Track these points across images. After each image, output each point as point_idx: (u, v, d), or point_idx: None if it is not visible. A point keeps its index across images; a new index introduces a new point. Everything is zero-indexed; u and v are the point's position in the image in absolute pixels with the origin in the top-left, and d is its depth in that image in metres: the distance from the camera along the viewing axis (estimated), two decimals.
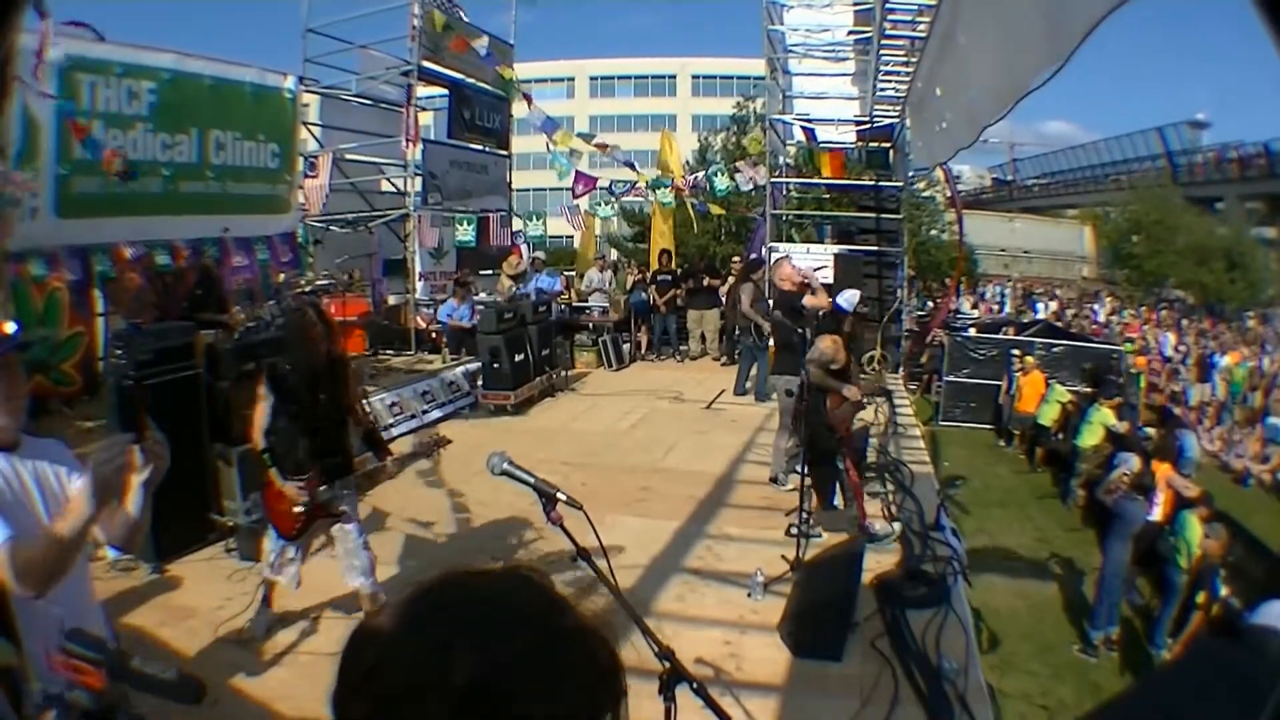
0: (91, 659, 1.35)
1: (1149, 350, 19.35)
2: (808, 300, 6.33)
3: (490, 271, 12.68)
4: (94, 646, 1.38)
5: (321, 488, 3.80)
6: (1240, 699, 0.77)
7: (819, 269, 9.24)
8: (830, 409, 5.30)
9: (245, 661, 3.82)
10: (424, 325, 11.74)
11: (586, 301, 13.19)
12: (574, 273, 15.77)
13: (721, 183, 13.35)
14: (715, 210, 14.41)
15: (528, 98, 13.77)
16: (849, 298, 5.66)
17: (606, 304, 12.83)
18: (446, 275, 12.35)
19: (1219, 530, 7.31)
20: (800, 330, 6.08)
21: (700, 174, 14.36)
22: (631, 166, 14.31)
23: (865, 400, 5.39)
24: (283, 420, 3.75)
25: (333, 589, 4.52)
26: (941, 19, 6.47)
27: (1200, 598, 7.01)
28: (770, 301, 7.05)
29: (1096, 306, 27.33)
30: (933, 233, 26.83)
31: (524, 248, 13.61)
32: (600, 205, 14.40)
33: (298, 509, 3.76)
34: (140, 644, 3.94)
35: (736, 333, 11.98)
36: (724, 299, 12.51)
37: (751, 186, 13.24)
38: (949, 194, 15.10)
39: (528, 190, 20.25)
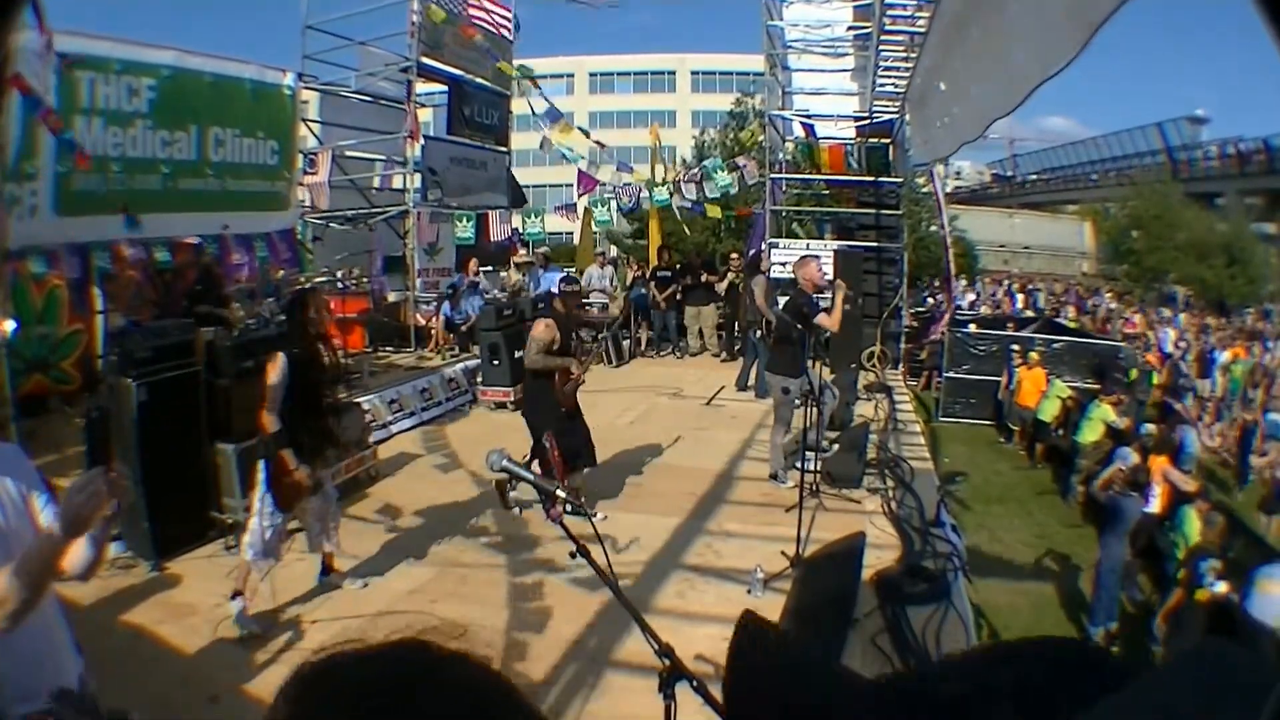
0: None
1: (1149, 346, 19.33)
2: (821, 319, 6.25)
3: (490, 268, 12.69)
4: (81, 705, 1.23)
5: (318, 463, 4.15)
6: (1240, 698, 0.76)
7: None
8: (558, 387, 5.51)
9: (245, 659, 3.83)
10: (424, 322, 11.74)
11: (588, 298, 13.18)
12: (573, 269, 15.76)
13: (721, 178, 13.32)
14: (712, 213, 14.43)
15: (533, 80, 13.72)
16: (550, 279, 5.93)
17: (606, 300, 12.82)
18: (440, 272, 12.34)
19: (1215, 519, 7.32)
20: (799, 327, 6.08)
21: (696, 170, 14.33)
22: (627, 169, 14.31)
23: (581, 377, 5.69)
24: (292, 404, 4.01)
25: (330, 588, 4.53)
26: (943, 14, 6.45)
27: (1181, 574, 7.04)
28: (782, 297, 7.03)
29: (1093, 302, 27.33)
30: (932, 229, 26.78)
31: (520, 247, 13.64)
32: (599, 207, 14.43)
33: (302, 482, 4.03)
34: (139, 642, 3.95)
35: (738, 329, 12.00)
36: (722, 295, 12.50)
37: (754, 180, 13.23)
38: (940, 192, 15.00)
39: (526, 186, 20.21)
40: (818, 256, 8.69)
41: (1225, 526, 7.51)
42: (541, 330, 5.52)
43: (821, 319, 6.20)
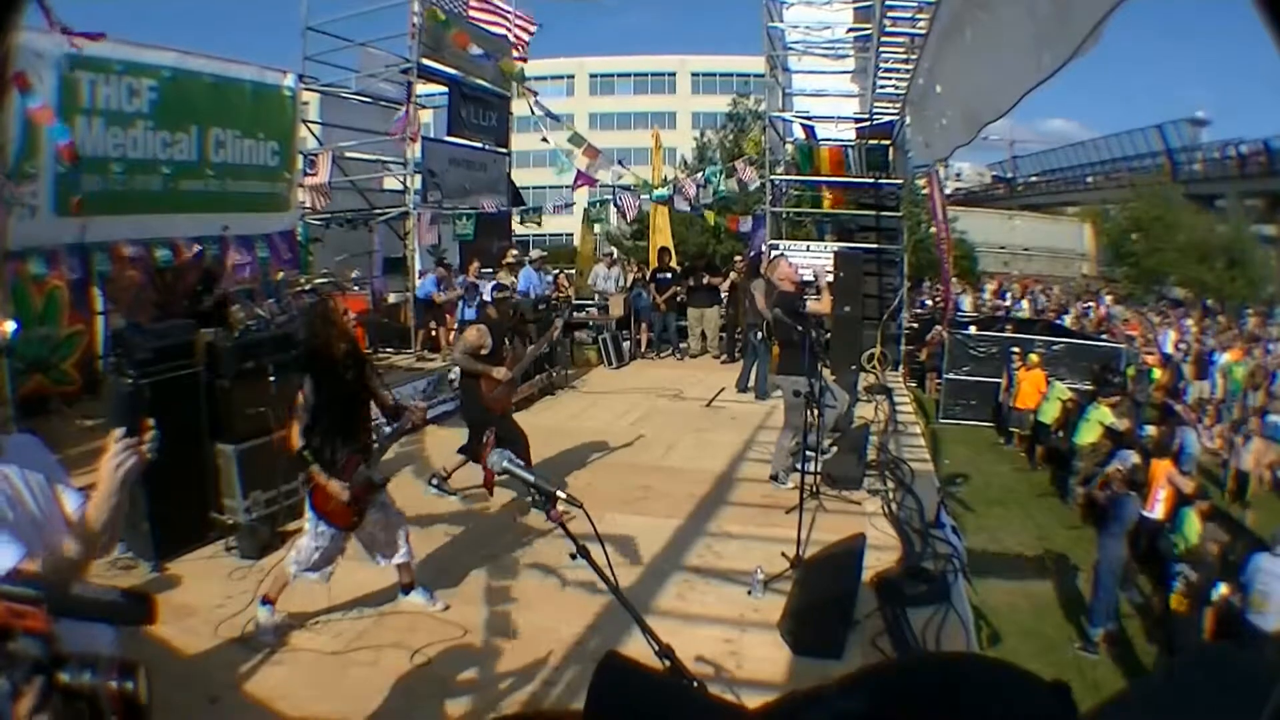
0: (30, 597, 1.18)
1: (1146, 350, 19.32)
2: (811, 305, 6.31)
3: (490, 270, 12.70)
4: (29, 583, 1.22)
5: (359, 469, 3.89)
6: (1240, 699, 0.76)
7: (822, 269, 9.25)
8: (485, 392, 5.67)
9: (245, 659, 3.83)
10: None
11: (593, 299, 13.18)
12: (574, 271, 15.77)
13: (719, 183, 13.36)
14: (709, 216, 14.46)
15: (532, 91, 13.77)
16: (489, 289, 6.05)
17: (607, 301, 12.80)
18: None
19: (1220, 537, 7.27)
20: (801, 329, 6.07)
21: (700, 175, 14.36)
22: (622, 164, 14.34)
23: (517, 377, 5.93)
24: (320, 415, 3.84)
25: (332, 587, 4.53)
26: (942, 16, 6.45)
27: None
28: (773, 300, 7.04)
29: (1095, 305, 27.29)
30: (932, 230, 26.75)
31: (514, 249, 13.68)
32: (596, 208, 14.47)
33: (345, 499, 3.84)
34: (139, 642, 3.94)
35: (738, 330, 12.00)
36: (724, 296, 12.50)
37: (754, 185, 13.24)
38: (938, 194, 14.90)
39: (527, 188, 20.23)
40: (785, 255, 8.70)
41: (1227, 541, 7.46)
42: (472, 335, 5.79)
43: (811, 305, 6.26)
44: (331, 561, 4.05)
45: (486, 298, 6.04)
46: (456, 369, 9.53)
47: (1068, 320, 22.30)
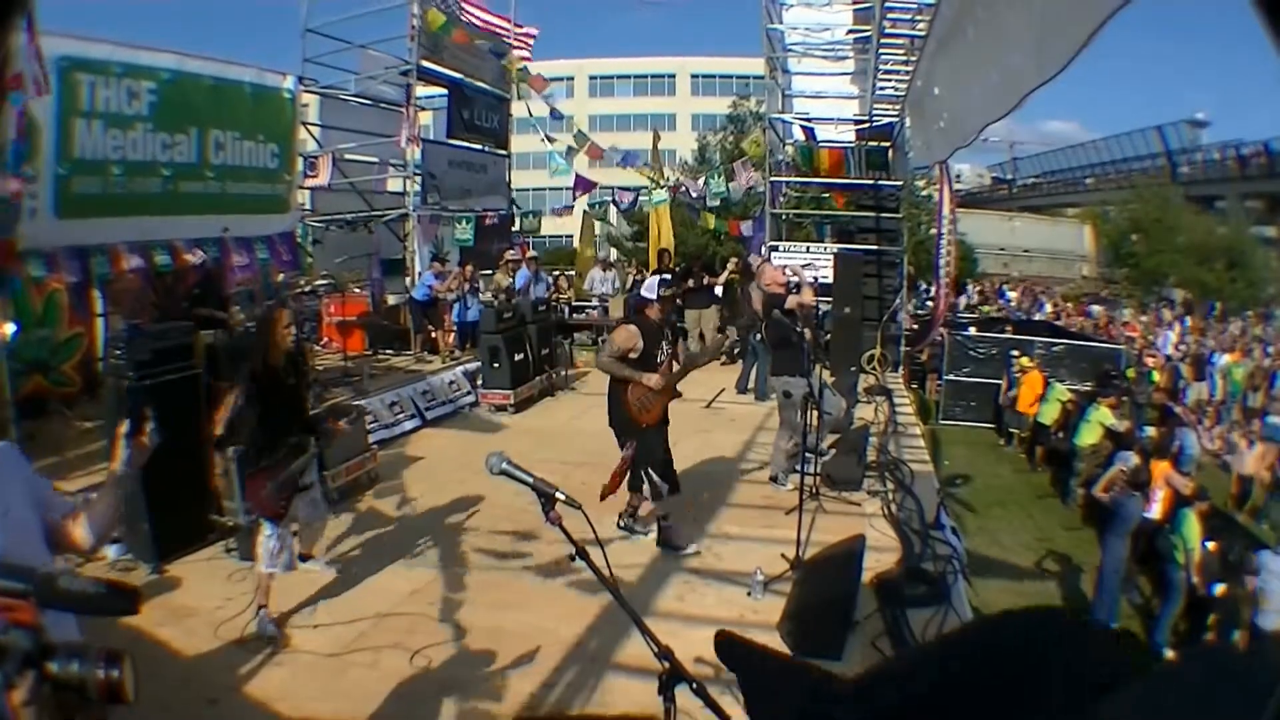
0: (19, 590, 1.18)
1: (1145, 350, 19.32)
2: (791, 300, 6.32)
3: (489, 271, 12.71)
4: (17, 576, 1.21)
5: (292, 466, 4.16)
6: (1241, 700, 0.76)
7: (805, 266, 9.26)
8: (630, 400, 5.24)
9: (245, 661, 3.82)
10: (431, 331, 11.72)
11: (590, 301, 13.18)
12: (574, 272, 15.78)
13: (718, 185, 13.38)
14: (707, 219, 14.50)
15: (542, 80, 13.74)
16: (650, 285, 5.57)
17: (607, 304, 12.80)
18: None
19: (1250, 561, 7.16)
20: (799, 330, 6.07)
21: (700, 180, 14.38)
22: (626, 162, 14.35)
23: (675, 388, 5.48)
24: (254, 411, 4.14)
25: (332, 589, 4.53)
26: (941, 18, 6.46)
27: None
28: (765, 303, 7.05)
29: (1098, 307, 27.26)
30: (932, 232, 26.74)
31: (513, 249, 13.71)
32: (595, 208, 14.47)
33: (276, 490, 4.09)
34: (139, 644, 3.94)
35: (736, 332, 12.00)
36: (720, 296, 12.50)
37: (742, 192, 13.26)
38: (947, 190, 14.88)
39: (527, 190, 20.28)
40: (769, 260, 8.70)
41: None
42: (620, 335, 5.28)
43: (792, 300, 6.28)
44: (288, 549, 4.21)
45: (646, 294, 5.45)
46: (455, 371, 9.61)
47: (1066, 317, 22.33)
